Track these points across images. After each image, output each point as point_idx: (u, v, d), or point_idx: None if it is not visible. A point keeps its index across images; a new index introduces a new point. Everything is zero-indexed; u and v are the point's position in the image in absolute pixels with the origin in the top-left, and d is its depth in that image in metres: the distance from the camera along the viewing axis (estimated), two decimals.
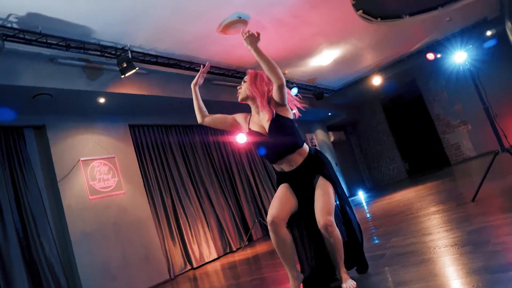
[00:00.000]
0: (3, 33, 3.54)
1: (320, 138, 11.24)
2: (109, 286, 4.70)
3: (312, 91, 8.89)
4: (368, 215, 5.75)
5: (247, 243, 6.82)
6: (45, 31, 3.86)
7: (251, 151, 8.15)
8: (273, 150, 2.31)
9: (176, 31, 4.76)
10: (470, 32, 7.95)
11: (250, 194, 7.73)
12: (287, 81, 2.33)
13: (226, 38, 5.24)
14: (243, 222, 7.20)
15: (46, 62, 4.31)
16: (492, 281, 1.63)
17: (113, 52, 4.58)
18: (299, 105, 2.49)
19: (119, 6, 3.90)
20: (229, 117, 2.52)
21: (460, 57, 3.89)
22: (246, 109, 2.57)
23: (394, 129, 12.27)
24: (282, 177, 2.40)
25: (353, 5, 5.38)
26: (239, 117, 2.50)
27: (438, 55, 8.09)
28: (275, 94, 2.27)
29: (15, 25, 3.70)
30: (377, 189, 11.17)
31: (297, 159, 2.31)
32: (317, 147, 10.73)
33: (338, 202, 2.40)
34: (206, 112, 2.57)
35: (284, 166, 2.35)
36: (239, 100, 2.45)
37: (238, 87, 2.47)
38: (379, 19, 6.34)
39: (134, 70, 4.51)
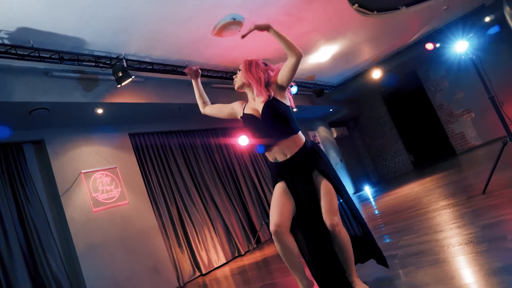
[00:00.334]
0: None
1: (323, 135, 11.15)
2: None
3: (312, 89, 8.80)
4: (376, 212, 5.66)
5: (255, 245, 6.74)
6: (37, 45, 3.80)
7: (254, 152, 8.07)
8: (266, 133, 2.23)
9: (169, 36, 4.68)
10: (468, 20, 7.82)
11: (256, 195, 7.65)
12: None
13: (221, 40, 5.16)
14: (250, 225, 7.12)
15: (41, 76, 4.25)
16: None
17: (108, 62, 4.52)
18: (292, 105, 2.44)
19: (109, 16, 3.83)
20: (227, 105, 2.54)
21: (461, 46, 3.80)
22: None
23: (397, 121, 12.15)
24: (276, 171, 2.28)
25: None
26: (236, 105, 2.49)
27: (437, 45, 8.00)
28: (286, 71, 2.22)
29: (6, 41, 3.63)
30: (383, 183, 11.07)
31: (291, 147, 2.20)
32: (321, 145, 10.65)
33: (341, 200, 2.33)
34: (208, 102, 2.67)
35: (278, 155, 2.23)
36: (235, 88, 2.45)
37: (234, 76, 2.48)
38: (375, 11, 6.25)
39: (130, 79, 4.44)
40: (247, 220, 7.13)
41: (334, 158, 11.01)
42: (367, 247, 2.36)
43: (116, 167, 5.44)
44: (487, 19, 7.89)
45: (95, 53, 4.40)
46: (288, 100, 2.34)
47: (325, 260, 2.25)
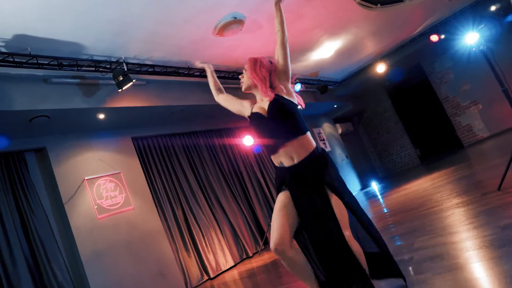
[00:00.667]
0: None
1: (328, 131, 11.03)
2: None
3: (316, 85, 8.67)
4: (385, 210, 5.55)
5: (263, 247, 6.66)
6: (34, 52, 3.71)
7: (259, 152, 7.97)
8: (272, 133, 2.13)
9: (169, 38, 4.59)
10: (478, 9, 7.62)
11: (262, 196, 7.56)
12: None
13: (222, 40, 5.06)
14: (258, 226, 7.03)
15: (40, 83, 4.18)
16: None
17: (108, 66, 4.43)
18: (302, 104, 2.36)
19: (107, 19, 3.74)
20: (238, 101, 2.47)
21: (472, 37, 3.67)
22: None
23: (402, 115, 11.99)
24: (281, 177, 2.15)
25: None
26: (246, 103, 2.41)
27: (442, 36, 7.84)
28: (279, 48, 2.27)
29: (3, 49, 3.55)
30: (390, 178, 10.93)
31: (299, 151, 2.07)
32: (326, 141, 10.53)
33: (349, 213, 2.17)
34: (222, 90, 2.64)
35: (284, 159, 2.10)
36: (243, 90, 2.39)
37: (240, 76, 2.42)
38: (378, 5, 6.10)
39: (131, 83, 4.36)
40: (254, 221, 7.04)
41: (340, 155, 10.89)
42: (384, 263, 2.20)
43: (120, 172, 5.36)
44: (493, 7, 7.69)
45: (95, 58, 4.31)
46: (295, 98, 2.27)
47: (333, 259, 2.12)
